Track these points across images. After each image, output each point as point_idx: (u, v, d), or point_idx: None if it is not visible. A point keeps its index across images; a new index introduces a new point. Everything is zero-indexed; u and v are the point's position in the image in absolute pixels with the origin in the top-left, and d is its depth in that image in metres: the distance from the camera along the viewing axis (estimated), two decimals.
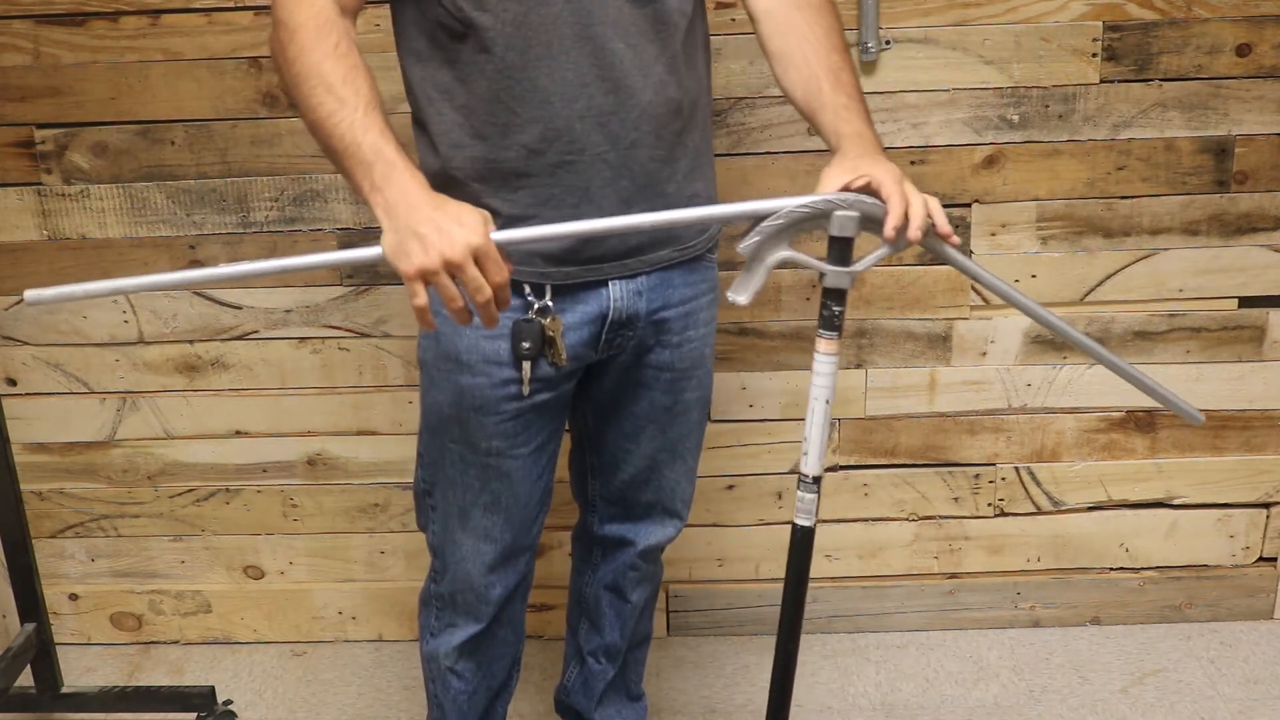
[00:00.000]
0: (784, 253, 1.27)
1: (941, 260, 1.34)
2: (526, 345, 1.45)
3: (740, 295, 1.28)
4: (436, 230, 1.19)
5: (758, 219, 1.26)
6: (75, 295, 1.24)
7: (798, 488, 1.33)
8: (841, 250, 1.25)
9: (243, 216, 2.10)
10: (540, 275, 1.44)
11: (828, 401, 1.29)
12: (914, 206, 1.25)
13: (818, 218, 1.25)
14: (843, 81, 1.40)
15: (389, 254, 1.21)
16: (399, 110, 1.52)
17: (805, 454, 1.31)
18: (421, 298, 1.20)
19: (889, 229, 1.24)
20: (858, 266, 1.27)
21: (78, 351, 2.20)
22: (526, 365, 1.46)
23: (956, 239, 1.30)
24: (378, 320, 2.16)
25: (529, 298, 1.45)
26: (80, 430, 2.25)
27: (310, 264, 1.28)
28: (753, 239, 1.26)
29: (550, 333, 1.45)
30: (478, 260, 1.19)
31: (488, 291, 1.20)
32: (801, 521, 1.33)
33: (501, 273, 1.21)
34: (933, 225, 1.26)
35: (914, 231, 1.25)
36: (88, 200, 2.10)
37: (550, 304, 1.45)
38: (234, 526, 2.31)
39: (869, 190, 1.26)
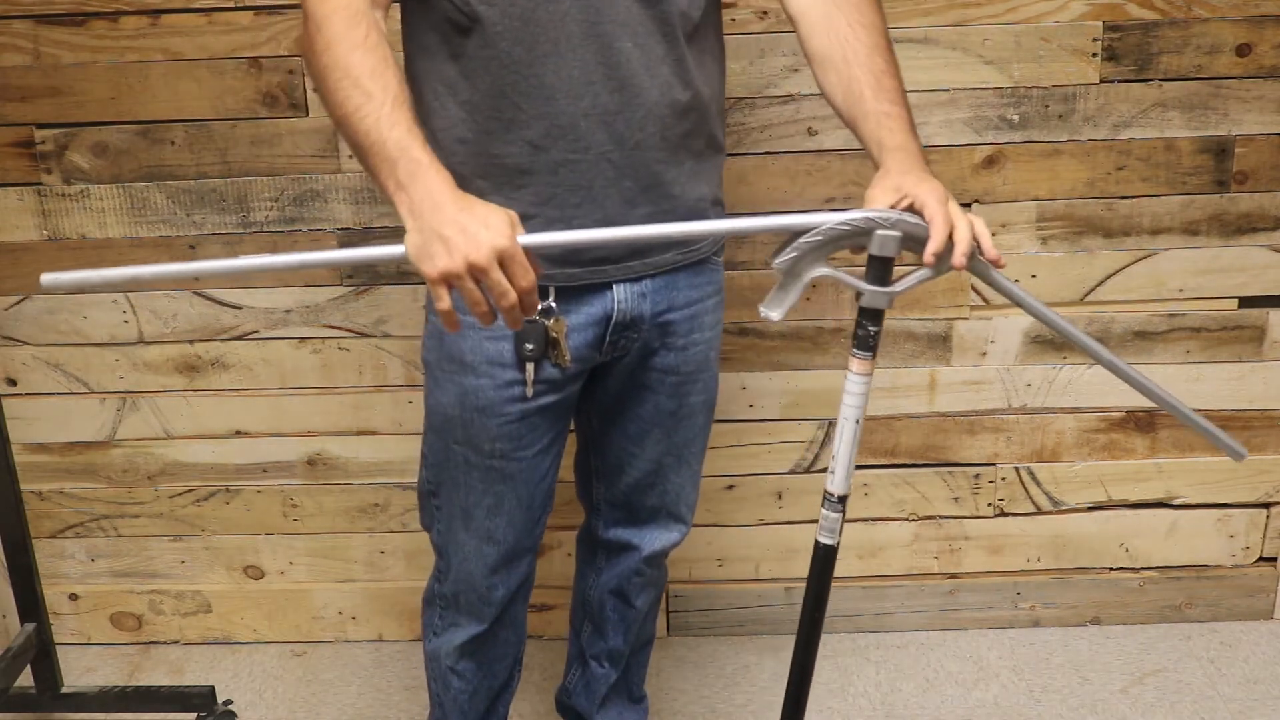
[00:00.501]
0: (820, 270, 1.23)
1: (989, 285, 1.29)
2: (530, 347, 1.44)
3: (774, 311, 1.24)
4: (461, 232, 1.15)
5: (795, 234, 1.22)
6: (91, 280, 1.20)
7: (822, 505, 1.30)
8: (881, 270, 1.21)
9: (243, 216, 2.10)
10: (543, 277, 1.44)
11: (858, 421, 1.25)
12: (959, 230, 1.20)
13: (858, 235, 1.21)
14: (885, 87, 1.34)
15: (413, 256, 1.18)
16: None
17: (832, 473, 1.28)
18: (446, 301, 1.17)
19: (929, 254, 1.19)
20: (897, 287, 1.22)
21: (78, 351, 2.20)
22: (530, 367, 1.45)
23: (1004, 262, 1.25)
24: (378, 320, 2.16)
25: None
26: (80, 430, 2.25)
27: (330, 260, 1.27)
28: (789, 255, 1.22)
29: (554, 334, 1.44)
30: (503, 264, 1.15)
31: (512, 296, 1.16)
32: (824, 540, 1.31)
33: (528, 276, 1.17)
34: (979, 249, 1.22)
35: (959, 258, 1.20)
36: (88, 200, 2.10)
37: (554, 305, 1.44)
38: (234, 526, 2.31)
39: (912, 212, 1.22)
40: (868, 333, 1.23)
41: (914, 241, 1.21)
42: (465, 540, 1.60)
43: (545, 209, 1.40)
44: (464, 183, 1.39)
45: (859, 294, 1.23)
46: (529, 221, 1.39)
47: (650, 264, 1.48)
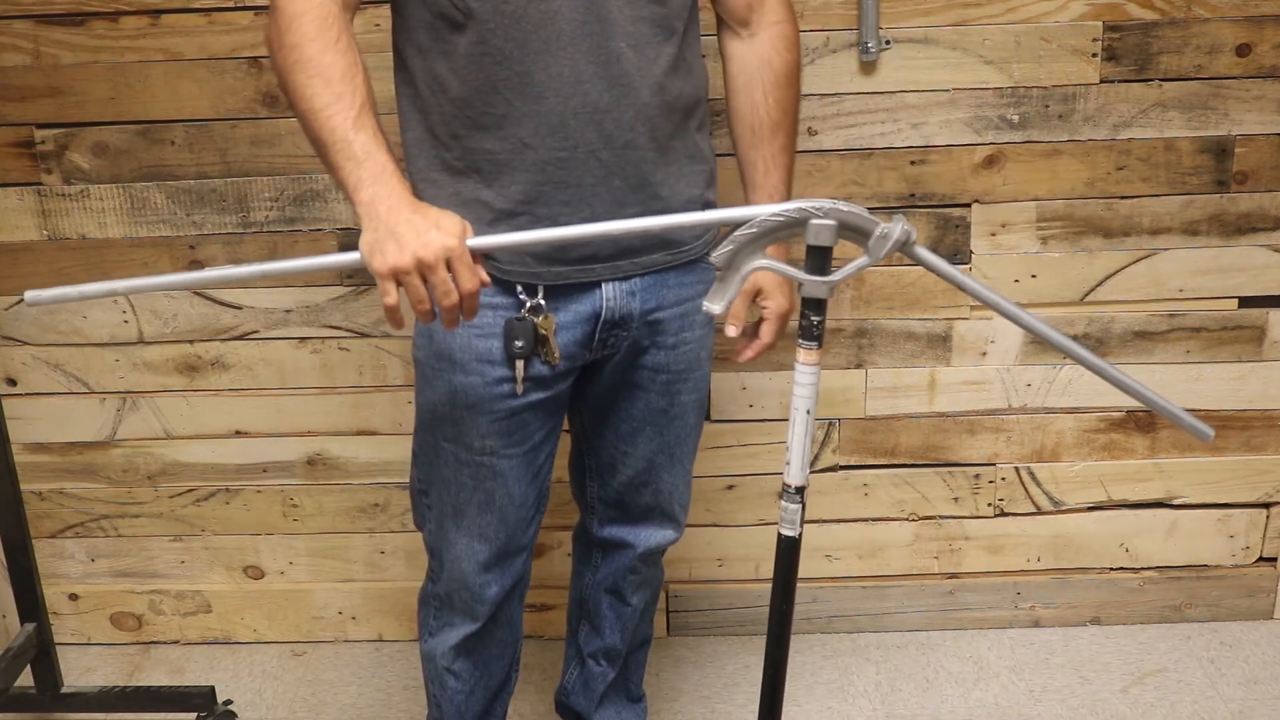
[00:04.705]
0: (759, 261, 1.25)
1: (926, 268, 1.30)
2: (519, 344, 1.45)
3: (715, 305, 1.26)
4: (413, 231, 1.20)
5: (732, 227, 1.24)
6: (70, 296, 1.27)
7: (781, 497, 1.31)
8: (818, 259, 1.22)
9: (243, 216, 2.10)
10: (532, 275, 1.44)
11: (809, 412, 1.26)
12: None
13: (793, 226, 1.22)
14: (779, 164, 1.58)
15: (365, 253, 1.22)
16: (392, 112, 1.52)
17: (788, 464, 1.29)
18: (392, 296, 1.22)
19: None
20: (835, 276, 1.23)
21: (78, 351, 2.20)
22: (520, 364, 1.47)
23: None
24: (378, 320, 2.17)
25: (521, 296, 1.45)
26: (80, 430, 2.25)
27: (297, 268, 1.29)
28: (726, 248, 1.24)
29: (543, 331, 1.45)
30: (450, 264, 1.21)
31: (454, 297, 1.21)
32: (786, 531, 1.32)
33: (473, 280, 1.22)
34: (911, 236, 1.23)
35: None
36: (88, 200, 2.10)
37: (542, 302, 1.46)
38: (234, 526, 2.31)
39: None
40: (811, 322, 1.24)
41: (850, 230, 1.22)
42: (456, 538, 1.60)
43: (534, 206, 1.41)
44: (456, 177, 1.42)
45: (799, 285, 1.24)
46: (517, 218, 1.41)
47: (639, 263, 1.49)
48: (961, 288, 1.29)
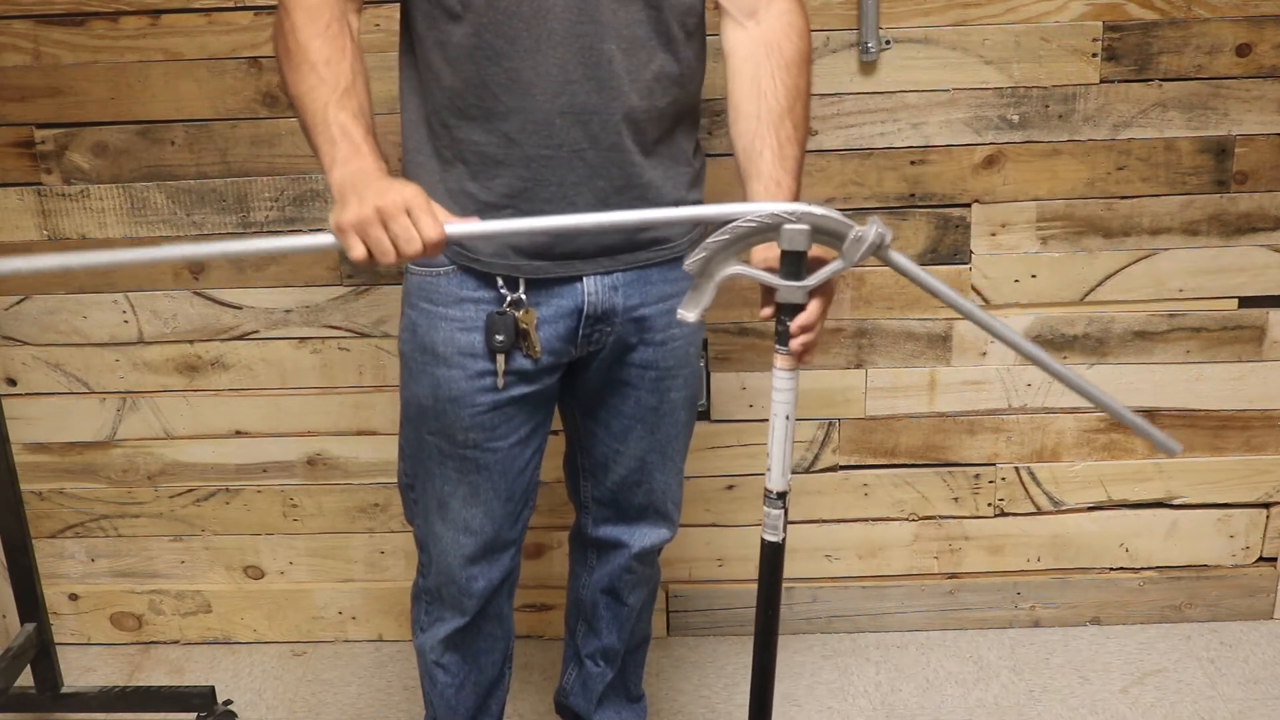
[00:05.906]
0: (733, 268, 1.24)
1: (899, 271, 1.29)
2: (500, 338, 1.46)
3: (690, 312, 1.25)
4: (374, 190, 1.22)
5: (704, 234, 1.23)
6: (22, 271, 1.23)
7: (764, 503, 1.31)
8: (793, 264, 1.22)
9: (243, 216, 2.10)
10: (512, 268, 1.45)
11: (788, 417, 1.26)
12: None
13: (766, 231, 1.21)
14: (786, 155, 1.40)
15: (331, 220, 1.24)
16: (395, 111, 1.52)
17: (769, 469, 1.28)
18: (359, 249, 1.22)
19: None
20: (811, 281, 1.23)
21: (78, 351, 2.20)
22: (500, 358, 1.48)
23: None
24: (378, 320, 2.17)
25: (502, 290, 1.46)
26: (80, 430, 2.25)
27: (273, 247, 1.32)
28: (699, 255, 1.23)
29: (524, 325, 1.46)
30: (411, 213, 1.21)
31: (417, 244, 1.21)
32: (769, 537, 1.31)
33: (435, 228, 1.21)
34: (886, 239, 1.22)
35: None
36: (88, 200, 2.10)
37: (524, 297, 1.47)
38: (234, 526, 2.31)
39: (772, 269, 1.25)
40: (787, 328, 1.24)
41: (824, 234, 1.21)
42: (442, 531, 1.61)
43: (518, 201, 1.42)
44: (445, 165, 1.44)
45: (774, 290, 1.24)
46: (502, 211, 1.42)
47: (622, 260, 1.50)
48: (934, 293, 1.28)
